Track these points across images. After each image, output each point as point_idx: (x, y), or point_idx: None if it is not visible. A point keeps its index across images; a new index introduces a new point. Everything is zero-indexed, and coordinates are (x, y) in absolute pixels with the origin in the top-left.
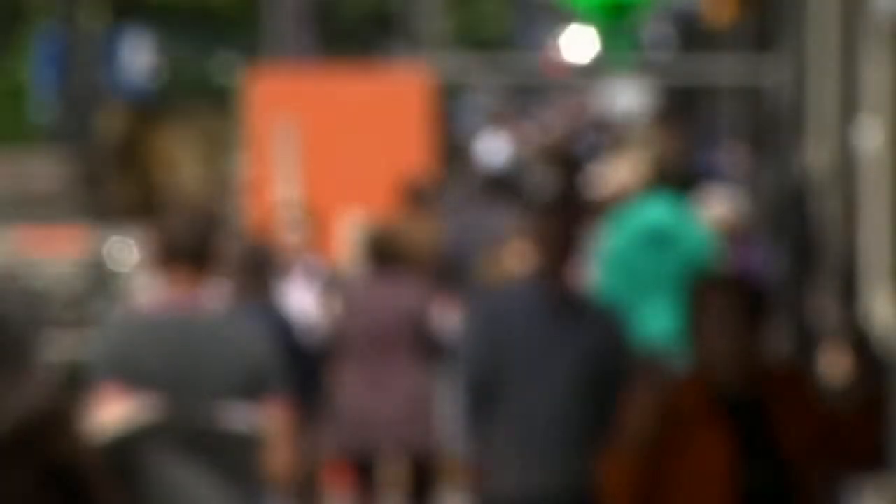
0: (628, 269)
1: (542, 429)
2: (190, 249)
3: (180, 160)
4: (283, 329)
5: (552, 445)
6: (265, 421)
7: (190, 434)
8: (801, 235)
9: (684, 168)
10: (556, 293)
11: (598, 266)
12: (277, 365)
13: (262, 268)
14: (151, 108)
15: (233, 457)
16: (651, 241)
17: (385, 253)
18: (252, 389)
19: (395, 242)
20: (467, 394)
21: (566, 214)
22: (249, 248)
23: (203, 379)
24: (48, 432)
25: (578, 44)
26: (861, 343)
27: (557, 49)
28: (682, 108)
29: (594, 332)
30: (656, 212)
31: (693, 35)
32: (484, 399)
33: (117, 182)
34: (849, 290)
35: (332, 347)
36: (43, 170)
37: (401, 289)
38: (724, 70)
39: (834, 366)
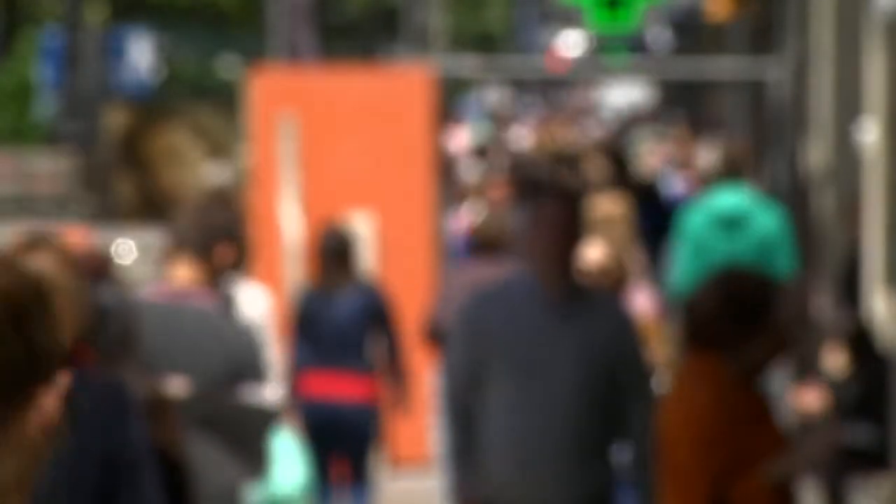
0: (702, 252)
1: (540, 436)
2: (187, 243)
3: (183, 159)
4: (375, 307)
5: (552, 454)
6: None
7: (207, 409)
8: (801, 232)
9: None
10: (554, 286)
11: (677, 252)
12: (258, 358)
13: (346, 249)
14: (154, 106)
15: (245, 430)
16: (724, 224)
17: (487, 237)
18: (230, 379)
19: (497, 227)
20: (451, 401)
21: (566, 203)
22: (331, 232)
23: (181, 366)
24: (162, 415)
25: (580, 42)
26: (860, 339)
27: (559, 47)
28: (683, 105)
29: (599, 328)
30: (729, 198)
31: (695, 32)
32: (471, 406)
33: (121, 181)
34: (849, 286)
35: (434, 330)
36: (46, 169)
37: (501, 270)
38: (726, 67)
39: (834, 361)
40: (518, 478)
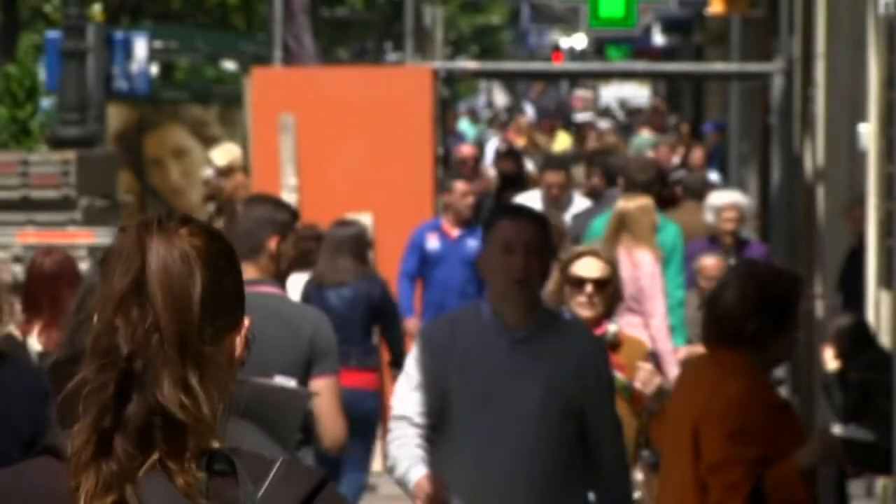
0: None
1: (506, 472)
2: (251, 241)
3: (184, 159)
4: (383, 301)
5: (518, 491)
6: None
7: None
8: (800, 232)
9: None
10: (516, 314)
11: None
12: (332, 346)
13: (361, 244)
14: (155, 108)
15: (278, 415)
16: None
17: None
18: (305, 366)
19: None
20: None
21: (528, 223)
22: (345, 228)
23: (256, 355)
24: None
25: (580, 41)
26: (858, 338)
27: (560, 46)
28: (683, 105)
29: (566, 358)
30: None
31: (695, 32)
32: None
33: (121, 181)
34: (844, 285)
35: None
36: (46, 169)
37: None
38: (726, 67)
39: (832, 360)
40: None
